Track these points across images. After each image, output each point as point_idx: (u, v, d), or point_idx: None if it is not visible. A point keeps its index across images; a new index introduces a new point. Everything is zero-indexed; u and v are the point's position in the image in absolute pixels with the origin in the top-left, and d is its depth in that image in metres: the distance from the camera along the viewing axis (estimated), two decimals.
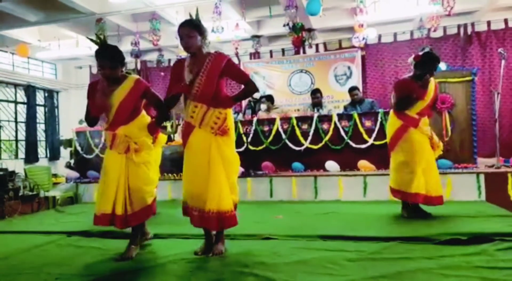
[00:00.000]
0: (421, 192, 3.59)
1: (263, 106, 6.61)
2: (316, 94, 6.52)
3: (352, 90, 6.44)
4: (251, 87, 2.82)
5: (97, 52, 2.79)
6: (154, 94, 2.95)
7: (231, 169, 2.79)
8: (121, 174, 2.77)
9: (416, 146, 3.62)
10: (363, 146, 5.33)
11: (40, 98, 9.66)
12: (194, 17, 2.79)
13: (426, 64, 3.55)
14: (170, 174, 5.61)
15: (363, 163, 5.23)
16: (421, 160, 3.61)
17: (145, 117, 2.95)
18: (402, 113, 3.67)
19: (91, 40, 2.89)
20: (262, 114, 6.48)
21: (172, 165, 5.51)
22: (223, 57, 2.74)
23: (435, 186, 3.62)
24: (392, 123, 3.78)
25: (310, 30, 7.68)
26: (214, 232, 2.88)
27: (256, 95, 6.72)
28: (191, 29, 2.68)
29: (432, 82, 3.68)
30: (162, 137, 4.60)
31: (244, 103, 7.70)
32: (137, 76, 2.94)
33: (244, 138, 5.75)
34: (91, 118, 2.91)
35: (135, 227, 2.90)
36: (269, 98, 6.92)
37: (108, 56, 2.76)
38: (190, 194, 2.78)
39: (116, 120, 2.82)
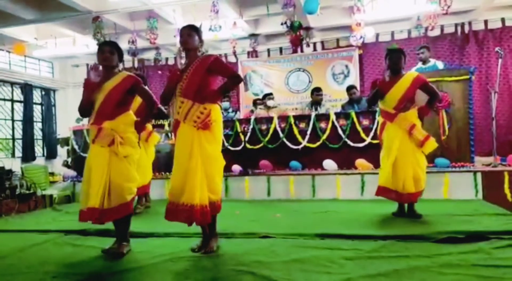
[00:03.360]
0: (385, 185, 3.63)
1: (271, 102, 6.61)
2: (319, 91, 6.51)
3: (350, 89, 6.45)
4: (234, 77, 2.90)
5: (101, 43, 3.00)
6: (144, 89, 2.99)
7: (210, 165, 2.75)
8: (103, 168, 2.75)
9: (389, 140, 3.63)
10: (361, 144, 5.33)
11: (37, 96, 9.63)
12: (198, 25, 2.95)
13: (386, 56, 3.68)
14: (167, 173, 5.59)
15: (360, 162, 5.23)
16: (389, 154, 3.59)
17: (132, 116, 2.96)
18: (382, 110, 3.74)
19: (97, 38, 2.98)
20: (260, 112, 6.48)
21: (169, 163, 5.49)
22: (210, 56, 2.86)
23: (403, 182, 3.53)
24: (379, 122, 3.86)
25: (307, 28, 7.69)
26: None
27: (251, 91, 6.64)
28: (192, 30, 2.86)
29: (409, 75, 3.66)
30: (154, 137, 4.62)
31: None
32: (130, 73, 3.00)
33: (242, 137, 5.74)
34: (83, 105, 2.91)
35: (118, 224, 2.88)
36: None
37: (109, 43, 2.97)
38: (171, 189, 2.79)
39: (102, 112, 2.83)
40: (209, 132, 2.76)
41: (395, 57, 3.62)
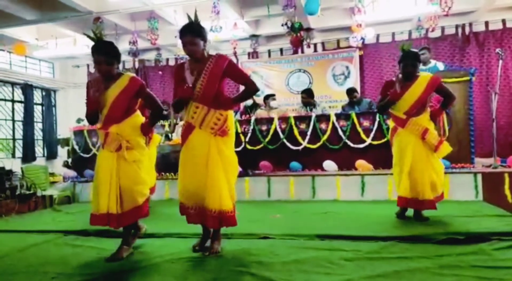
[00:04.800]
0: (404, 195, 3.48)
1: (274, 103, 6.63)
2: (305, 93, 6.51)
3: (351, 93, 6.44)
4: (251, 88, 2.84)
5: (93, 48, 2.77)
6: (149, 93, 2.92)
7: (230, 169, 2.79)
8: (112, 173, 2.73)
9: (401, 146, 3.50)
10: (361, 145, 5.33)
11: (37, 97, 9.64)
12: (192, 18, 2.77)
13: (401, 62, 3.49)
14: (167, 173, 5.59)
15: (360, 163, 5.23)
16: (403, 161, 3.46)
17: (139, 117, 2.91)
18: (393, 115, 3.60)
19: (88, 36, 2.85)
20: (261, 112, 6.48)
21: (170, 164, 5.49)
22: (224, 59, 2.77)
23: (421, 189, 3.41)
24: (390, 125, 3.75)
25: (308, 29, 7.70)
26: (211, 230, 2.89)
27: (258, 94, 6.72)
28: (194, 36, 2.68)
29: (423, 78, 3.46)
30: (156, 137, 4.62)
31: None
32: (133, 74, 2.92)
33: (242, 138, 5.74)
34: (90, 116, 2.86)
35: (126, 227, 2.88)
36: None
37: (104, 52, 2.74)
38: (186, 193, 2.79)
39: (110, 118, 2.79)
40: (226, 137, 2.77)
41: (411, 65, 3.41)
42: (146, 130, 2.91)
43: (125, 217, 2.77)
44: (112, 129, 2.77)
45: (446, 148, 3.53)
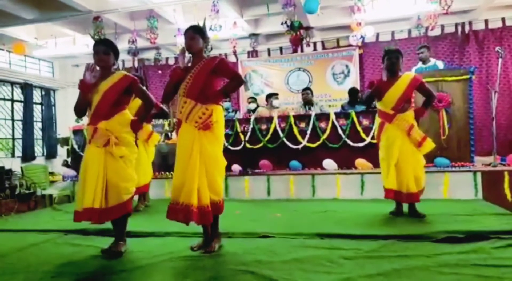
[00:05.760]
0: (391, 187, 3.63)
1: (276, 102, 6.63)
2: (306, 90, 6.54)
3: (355, 93, 6.42)
4: (237, 80, 2.90)
5: (94, 44, 2.94)
6: (141, 88, 2.97)
7: (211, 165, 2.76)
8: (99, 168, 2.75)
9: (389, 140, 3.64)
10: (361, 144, 5.33)
11: (37, 96, 9.64)
12: (201, 24, 2.97)
13: (385, 56, 3.69)
14: (167, 173, 5.59)
15: (360, 162, 5.23)
16: (391, 155, 3.61)
17: (127, 115, 2.94)
18: (380, 111, 3.76)
19: (93, 38, 2.92)
20: (262, 111, 6.48)
21: (169, 163, 5.50)
22: (216, 58, 2.89)
23: (406, 182, 3.56)
24: (376, 122, 3.89)
25: (308, 28, 7.69)
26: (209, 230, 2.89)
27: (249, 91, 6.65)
28: (195, 32, 2.88)
29: (406, 76, 3.66)
30: (155, 137, 4.64)
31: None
32: (127, 72, 2.99)
33: (242, 137, 5.74)
34: (79, 108, 2.93)
35: (118, 224, 2.89)
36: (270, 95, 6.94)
37: (103, 42, 2.94)
38: (172, 188, 2.80)
39: (98, 111, 2.82)
40: (210, 133, 2.77)
41: (393, 58, 3.63)
42: (136, 126, 2.94)
43: (109, 212, 2.77)
44: (101, 125, 2.80)
45: (430, 145, 3.66)
